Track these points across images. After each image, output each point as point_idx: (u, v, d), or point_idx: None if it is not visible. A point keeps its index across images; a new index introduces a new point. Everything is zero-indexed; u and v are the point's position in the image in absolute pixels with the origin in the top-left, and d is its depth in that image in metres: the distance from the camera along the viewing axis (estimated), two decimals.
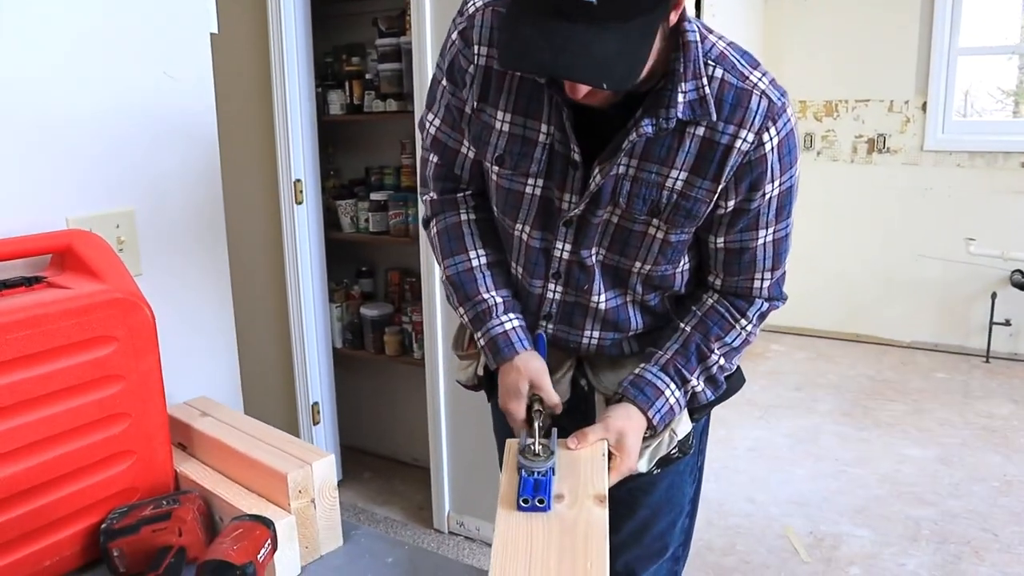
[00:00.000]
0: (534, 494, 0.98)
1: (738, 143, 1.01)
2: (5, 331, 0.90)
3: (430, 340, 2.46)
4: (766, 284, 1.15)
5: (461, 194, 1.23)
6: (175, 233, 1.31)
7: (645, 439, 1.14)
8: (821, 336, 4.58)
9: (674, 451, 1.19)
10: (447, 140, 1.18)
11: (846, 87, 4.34)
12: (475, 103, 1.10)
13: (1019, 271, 4.02)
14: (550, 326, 1.21)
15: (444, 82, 1.14)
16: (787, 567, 2.37)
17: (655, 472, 1.20)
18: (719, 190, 1.04)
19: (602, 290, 1.16)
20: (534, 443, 1.06)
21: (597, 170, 1.05)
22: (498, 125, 1.09)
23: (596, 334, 1.20)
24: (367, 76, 2.73)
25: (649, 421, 1.12)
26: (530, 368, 1.14)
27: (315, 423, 2.81)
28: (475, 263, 1.20)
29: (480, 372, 1.29)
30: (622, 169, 1.05)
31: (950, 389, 3.78)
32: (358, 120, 2.83)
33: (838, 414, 3.51)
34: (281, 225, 2.62)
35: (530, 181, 1.10)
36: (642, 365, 1.16)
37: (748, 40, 4.25)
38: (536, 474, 1.01)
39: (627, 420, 1.11)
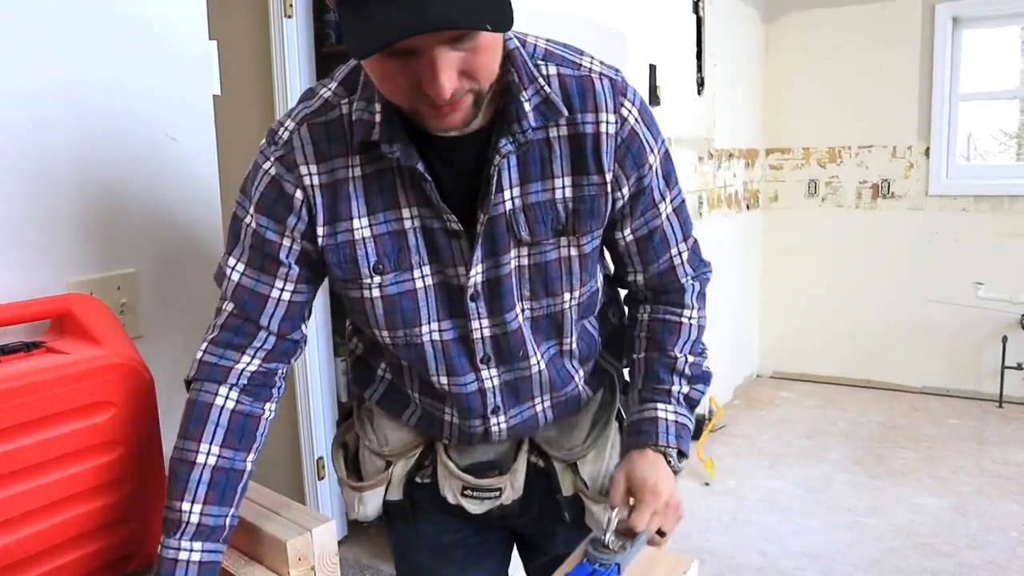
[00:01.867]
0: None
1: (603, 127, 0.98)
2: (3, 398, 0.90)
3: None
4: (685, 257, 1.11)
5: (237, 363, 1.01)
6: (178, 294, 1.32)
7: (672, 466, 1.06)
8: (831, 383, 4.54)
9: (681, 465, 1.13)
10: (253, 286, 1.01)
11: (849, 133, 4.37)
12: (321, 229, 0.98)
13: None
14: (502, 420, 1.09)
15: (252, 219, 0.99)
16: None
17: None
18: (608, 181, 1.00)
19: (536, 349, 1.07)
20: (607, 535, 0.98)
21: (481, 216, 0.96)
22: (359, 235, 0.98)
23: (548, 401, 1.12)
24: None
25: (662, 448, 1.04)
26: None
27: (320, 478, 2.78)
28: (199, 459, 0.97)
29: (392, 497, 1.17)
30: (508, 205, 0.97)
31: (963, 435, 3.72)
32: None
33: (850, 462, 3.45)
34: None
35: (416, 273, 1.00)
36: (627, 419, 1.12)
37: (750, 87, 4.30)
38: (599, 565, 0.95)
39: (640, 462, 1.04)
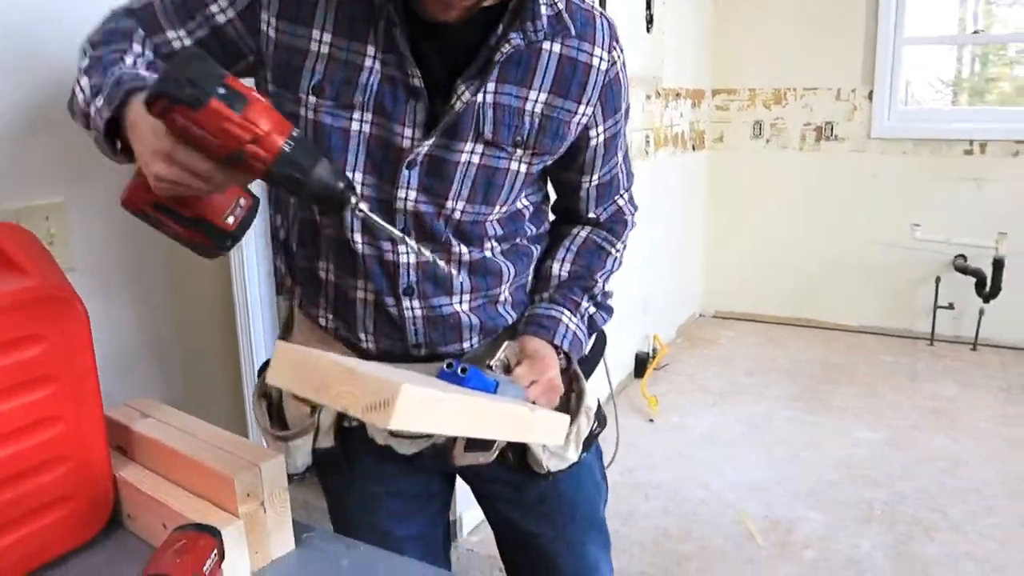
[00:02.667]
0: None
1: (595, 62, 1.01)
2: None
3: None
4: (627, 197, 1.19)
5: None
6: (110, 226, 1.25)
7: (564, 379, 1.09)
8: (771, 322, 4.63)
9: (595, 426, 1.17)
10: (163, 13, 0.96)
11: (794, 75, 4.39)
12: (273, 20, 0.92)
13: (962, 256, 4.11)
14: (415, 303, 1.03)
15: None
16: (743, 552, 2.38)
17: (583, 456, 1.18)
18: (584, 112, 1.03)
19: (459, 242, 1.03)
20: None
21: (463, 88, 0.93)
22: (314, 47, 0.92)
23: (468, 296, 1.06)
24: None
25: (558, 348, 1.08)
26: None
27: None
28: (130, 59, 0.90)
29: (323, 444, 1.11)
30: (481, 96, 0.94)
31: (897, 372, 3.85)
32: None
33: (789, 399, 3.55)
34: None
35: (356, 115, 0.94)
36: (527, 310, 1.13)
37: (698, 26, 4.27)
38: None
39: (536, 340, 1.07)
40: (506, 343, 1.07)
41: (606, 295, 1.18)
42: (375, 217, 0.86)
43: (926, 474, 2.85)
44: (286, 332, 1.23)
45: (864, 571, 2.28)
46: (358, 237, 1.00)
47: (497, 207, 1.04)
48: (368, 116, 0.94)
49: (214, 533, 0.75)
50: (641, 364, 3.77)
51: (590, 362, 1.19)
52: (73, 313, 0.96)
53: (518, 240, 1.11)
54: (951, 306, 4.18)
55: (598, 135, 1.07)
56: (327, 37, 0.92)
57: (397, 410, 0.69)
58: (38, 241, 1.06)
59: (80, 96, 0.87)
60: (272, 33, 0.93)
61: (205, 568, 0.69)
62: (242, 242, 2.69)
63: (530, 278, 1.17)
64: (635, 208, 1.21)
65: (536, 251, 1.16)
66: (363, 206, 0.83)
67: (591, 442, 1.18)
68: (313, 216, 1.04)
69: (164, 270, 1.34)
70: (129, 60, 0.89)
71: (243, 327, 2.66)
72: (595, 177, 1.12)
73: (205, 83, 0.71)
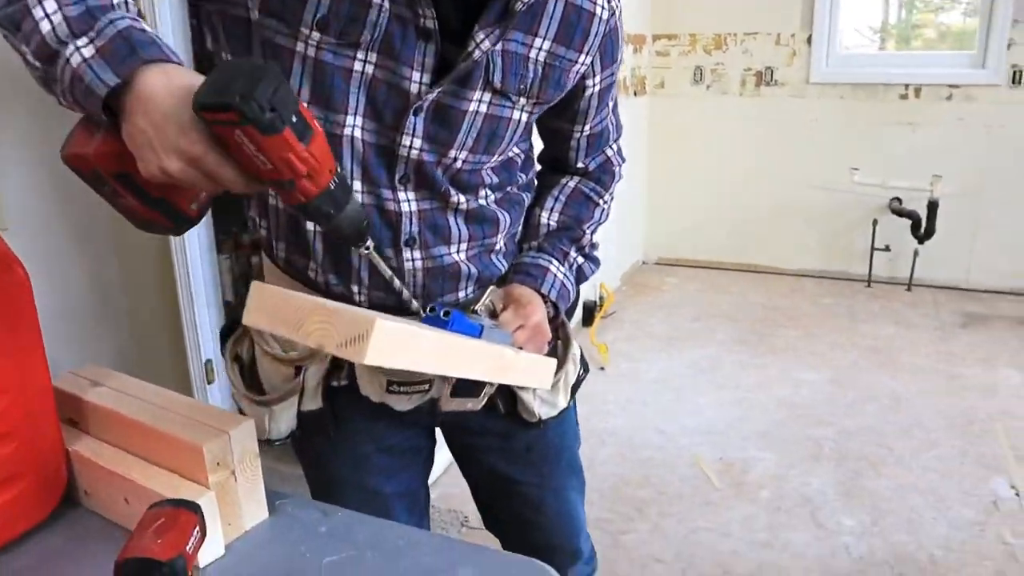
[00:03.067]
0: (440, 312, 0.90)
1: (598, 11, 0.99)
2: None
3: None
4: (616, 148, 1.19)
5: None
6: (43, 183, 1.15)
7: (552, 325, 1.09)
8: (713, 267, 4.69)
9: (581, 372, 1.19)
10: None
11: (735, 20, 4.37)
12: None
13: (897, 199, 4.20)
14: (416, 254, 0.99)
15: None
16: (701, 494, 2.42)
17: (571, 404, 1.20)
18: (584, 62, 1.01)
19: (457, 192, 1.00)
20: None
21: (482, 36, 0.88)
22: None
23: (465, 245, 1.03)
24: None
25: (545, 298, 1.07)
26: (198, 75, 0.71)
27: (209, 382, 2.64)
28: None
29: (309, 407, 1.06)
30: (490, 43, 0.90)
31: (837, 313, 3.94)
32: None
33: (735, 343, 3.60)
34: None
35: (360, 55, 0.87)
36: (516, 259, 1.11)
37: None
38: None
39: (522, 287, 1.06)
40: (491, 288, 1.05)
41: (594, 246, 1.18)
42: (379, 259, 0.88)
43: (870, 411, 2.94)
44: (233, 329, 1.16)
45: (818, 508, 2.34)
46: (357, 185, 0.94)
47: (495, 156, 1.01)
48: (373, 57, 0.88)
49: (194, 508, 0.69)
50: (589, 313, 3.77)
51: (568, 312, 1.16)
52: (13, 278, 0.88)
53: (510, 188, 1.09)
54: (887, 248, 4.28)
55: (594, 85, 1.06)
56: None
57: (372, 345, 0.67)
58: None
59: (44, 25, 0.71)
60: None
61: (188, 547, 0.63)
62: None
63: (520, 228, 1.14)
64: (623, 159, 1.21)
65: (527, 199, 1.14)
66: (371, 246, 0.84)
67: (577, 388, 1.19)
68: None
69: (103, 230, 1.24)
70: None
71: (184, 289, 2.55)
72: (587, 127, 1.11)
73: (284, 110, 0.66)
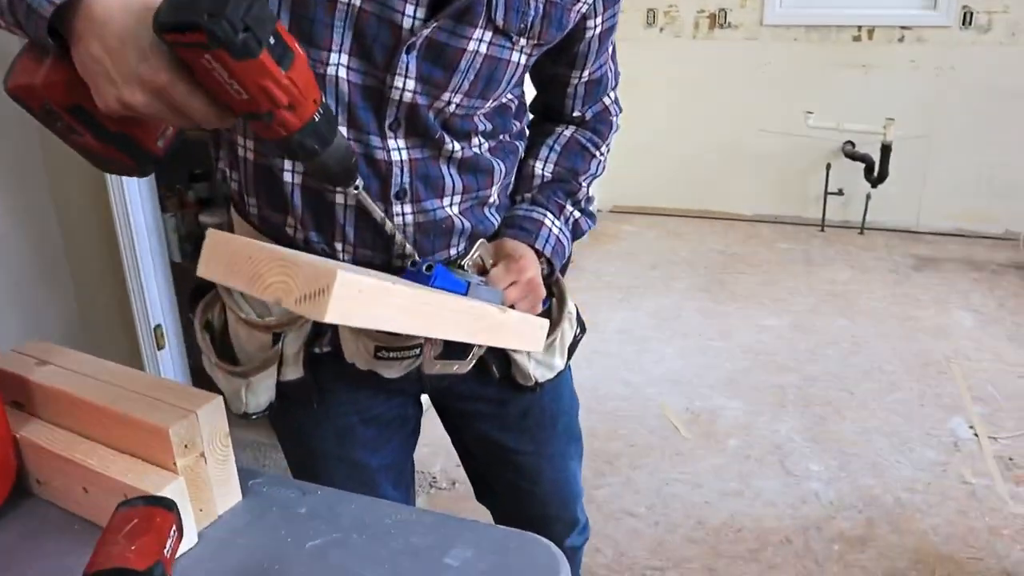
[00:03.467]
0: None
1: None
2: None
3: None
4: (613, 96, 1.13)
5: None
6: None
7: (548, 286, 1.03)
8: (670, 215, 4.66)
9: (578, 332, 1.13)
10: None
11: None
12: None
13: (850, 142, 4.21)
14: (407, 208, 0.91)
15: None
16: (671, 445, 2.41)
17: (567, 366, 1.14)
18: (586, 1, 0.93)
19: (451, 139, 0.92)
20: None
21: None
22: None
23: (459, 198, 0.95)
24: None
25: (540, 253, 1.00)
26: None
27: (159, 348, 2.52)
28: None
29: (289, 376, 0.99)
30: None
31: (794, 259, 3.96)
32: None
33: (695, 290, 3.59)
34: None
35: None
36: (508, 212, 1.04)
37: None
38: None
39: (515, 241, 1.00)
40: (480, 242, 0.98)
41: (589, 200, 1.11)
42: (369, 200, 0.83)
43: (831, 356, 2.96)
44: (200, 294, 1.06)
45: (787, 454, 2.35)
46: (343, 130, 0.84)
47: (489, 101, 0.92)
48: None
49: (169, 506, 0.62)
50: None
51: (562, 268, 1.10)
52: None
53: (504, 136, 1.00)
54: (840, 192, 4.30)
55: (595, 26, 0.98)
56: None
57: (334, 299, 0.60)
58: None
59: None
60: None
61: (166, 551, 0.56)
62: None
63: (513, 180, 1.06)
64: (620, 109, 1.15)
65: (520, 148, 1.06)
66: (360, 185, 0.79)
67: (574, 349, 1.13)
68: None
69: (40, 192, 1.13)
70: None
71: (128, 251, 2.42)
72: (585, 73, 1.04)
73: (260, 30, 0.57)
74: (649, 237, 4.35)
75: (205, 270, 0.71)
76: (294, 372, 0.99)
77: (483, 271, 0.96)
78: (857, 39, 4.13)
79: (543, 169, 1.07)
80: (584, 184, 1.09)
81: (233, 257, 0.68)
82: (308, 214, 0.91)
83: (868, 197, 4.19)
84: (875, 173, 4.11)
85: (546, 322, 0.94)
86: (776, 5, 4.20)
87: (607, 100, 1.12)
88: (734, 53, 4.32)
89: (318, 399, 1.03)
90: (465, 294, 0.87)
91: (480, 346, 0.99)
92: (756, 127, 4.36)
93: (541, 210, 1.03)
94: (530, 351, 1.03)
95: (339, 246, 0.93)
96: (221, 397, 0.86)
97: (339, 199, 0.90)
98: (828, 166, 4.26)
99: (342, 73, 0.83)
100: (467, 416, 1.15)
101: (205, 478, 0.85)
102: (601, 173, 1.13)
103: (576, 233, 1.08)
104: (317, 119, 0.67)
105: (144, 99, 0.60)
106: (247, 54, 0.57)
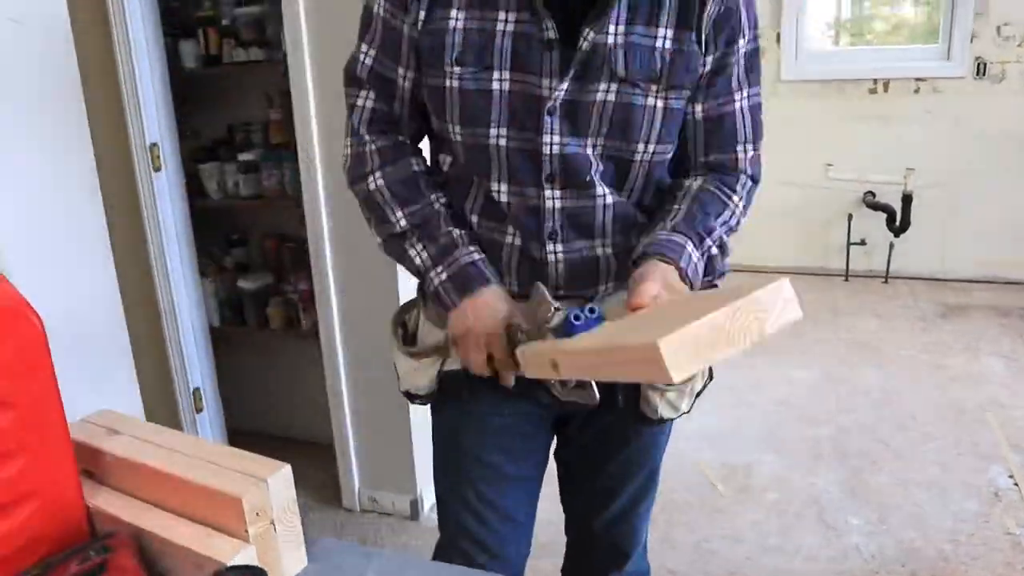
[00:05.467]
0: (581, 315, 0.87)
1: None
2: None
3: (324, 308, 2.27)
4: (749, 156, 1.12)
5: (403, 139, 1.12)
6: (41, 216, 1.08)
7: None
8: None
9: (708, 380, 1.19)
10: (386, 72, 1.09)
11: None
12: (423, 15, 1.03)
13: (871, 192, 4.24)
14: (560, 251, 1.07)
15: (382, 6, 1.06)
16: (709, 502, 2.40)
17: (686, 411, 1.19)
18: (701, 40, 1.03)
19: (603, 184, 1.05)
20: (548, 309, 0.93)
21: (588, 32, 0.98)
22: (452, 24, 1.02)
23: (609, 246, 1.08)
24: (223, 22, 2.44)
25: (682, 273, 0.98)
26: (503, 296, 1.04)
27: (198, 411, 2.57)
28: (436, 206, 1.09)
29: (452, 366, 1.14)
30: (611, 38, 0.99)
31: (820, 310, 3.96)
32: (215, 74, 2.54)
33: None
34: (139, 196, 2.32)
35: (496, 75, 1.01)
36: (648, 237, 1.04)
37: None
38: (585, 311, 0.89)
39: (671, 272, 0.97)
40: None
41: (725, 245, 1.11)
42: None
43: (863, 406, 2.94)
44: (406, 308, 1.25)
45: (825, 508, 2.33)
46: (504, 187, 1.06)
47: (639, 146, 1.04)
48: (506, 74, 1.01)
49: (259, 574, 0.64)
50: None
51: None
52: (28, 326, 0.82)
53: (651, 189, 1.10)
54: (863, 242, 4.32)
55: (704, 65, 1.04)
56: (462, 14, 1.02)
57: (667, 363, 0.66)
58: None
59: (417, 260, 1.09)
60: (420, 26, 1.04)
61: None
62: (160, 223, 2.47)
63: None
64: (758, 176, 1.13)
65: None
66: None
67: (699, 396, 1.19)
68: (461, 175, 1.11)
69: (105, 263, 1.18)
70: (444, 216, 1.08)
71: (167, 315, 2.48)
72: (699, 108, 1.07)
73: None
74: None
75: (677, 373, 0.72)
76: (456, 363, 1.12)
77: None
78: (873, 91, 4.20)
79: (679, 204, 1.07)
80: (718, 226, 1.06)
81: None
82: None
83: (891, 246, 4.20)
84: (897, 222, 4.13)
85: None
86: (792, 61, 4.28)
87: (738, 153, 1.10)
88: None
89: (467, 394, 1.15)
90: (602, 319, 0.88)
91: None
92: (777, 180, 4.41)
93: (681, 237, 1.02)
94: (664, 387, 1.10)
95: (507, 280, 1.10)
96: (289, 466, 0.89)
97: (507, 239, 1.09)
98: (850, 216, 4.28)
99: (502, 142, 1.03)
100: (581, 433, 1.24)
101: (275, 545, 0.87)
102: (735, 226, 1.10)
103: (708, 270, 1.06)
104: None
105: (475, 361, 1.02)
106: None
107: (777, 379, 3.20)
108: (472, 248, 1.07)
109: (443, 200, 1.10)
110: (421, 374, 1.17)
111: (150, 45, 2.25)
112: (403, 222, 1.09)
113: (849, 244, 4.32)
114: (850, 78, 4.21)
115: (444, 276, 1.06)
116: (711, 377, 1.20)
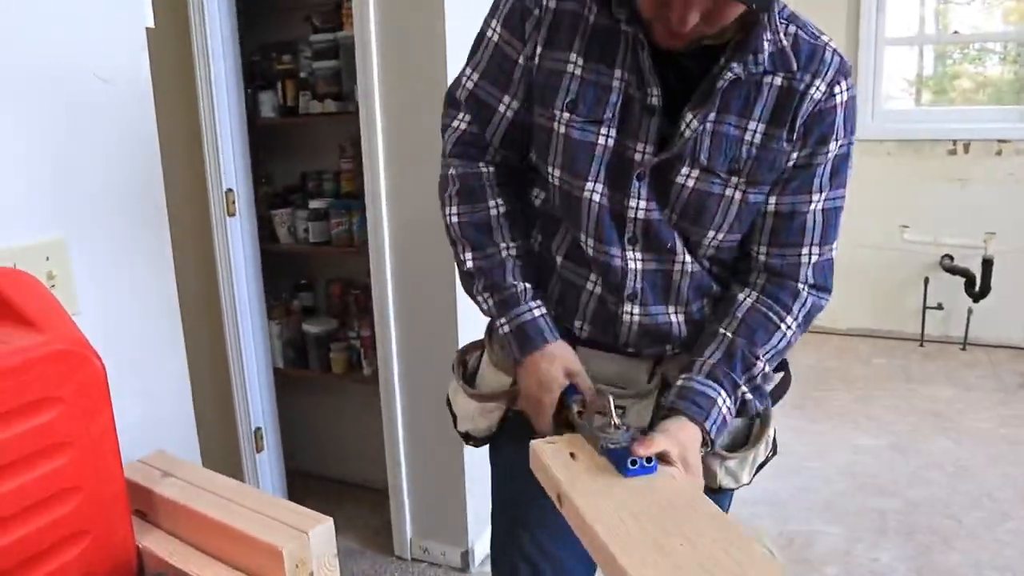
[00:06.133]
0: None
1: (812, 91, 1.02)
2: None
3: (384, 355, 2.30)
4: (813, 260, 1.08)
5: (487, 170, 1.14)
6: (115, 261, 1.14)
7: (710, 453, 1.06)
8: None
9: (770, 454, 1.18)
10: (486, 97, 1.11)
11: None
12: (540, 49, 1.05)
13: (948, 256, 4.11)
14: (635, 309, 1.09)
15: (497, 32, 1.08)
16: None
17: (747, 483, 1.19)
18: (791, 139, 1.03)
19: (684, 250, 1.07)
20: (609, 421, 0.97)
21: (691, 116, 0.99)
22: (570, 68, 1.03)
23: (683, 314, 1.11)
24: (301, 75, 2.54)
25: (706, 435, 1.02)
26: (564, 354, 1.08)
27: (258, 450, 2.61)
28: (504, 254, 1.12)
29: (517, 407, 1.16)
30: (698, 122, 1.00)
31: (891, 375, 3.83)
32: (292, 124, 2.64)
33: (789, 407, 3.49)
34: (213, 239, 2.41)
35: (603, 130, 1.03)
36: (684, 375, 1.06)
37: None
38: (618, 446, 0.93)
39: (687, 433, 1.00)
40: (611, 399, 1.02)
41: (767, 377, 1.09)
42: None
43: (935, 480, 2.82)
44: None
45: None
46: (591, 242, 1.07)
47: (710, 232, 1.06)
48: (612, 132, 1.03)
49: None
50: None
51: (774, 395, 1.16)
52: (90, 369, 0.86)
53: (729, 263, 1.13)
54: (940, 307, 4.17)
55: (790, 160, 1.03)
56: (580, 60, 1.03)
57: None
58: (42, 287, 0.94)
59: (483, 306, 1.14)
60: (536, 60, 1.06)
61: None
62: (232, 265, 2.55)
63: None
64: (823, 281, 1.10)
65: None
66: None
67: (761, 468, 1.18)
68: (552, 213, 1.13)
69: (171, 308, 1.23)
70: (511, 267, 1.12)
71: (234, 354, 2.54)
72: (773, 200, 1.05)
73: None
74: None
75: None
76: (494, 426, 1.19)
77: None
78: (953, 153, 4.09)
79: (725, 331, 1.07)
80: (763, 358, 1.06)
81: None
82: (561, 292, 1.15)
83: (970, 312, 4.05)
84: (976, 288, 3.99)
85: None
86: (868, 119, 4.22)
87: (801, 256, 1.08)
88: None
89: (529, 437, 1.08)
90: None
91: None
92: (850, 240, 4.29)
93: (714, 386, 1.03)
94: (725, 453, 1.11)
95: (578, 324, 1.14)
96: (331, 520, 0.90)
97: (588, 286, 1.11)
98: (926, 280, 4.15)
99: (596, 197, 1.05)
100: None
101: None
102: (785, 347, 1.09)
103: (742, 411, 1.07)
104: None
105: (542, 423, 1.07)
106: None
107: (842, 446, 3.09)
108: (532, 305, 1.10)
109: (515, 249, 1.13)
110: (483, 417, 1.19)
111: (231, 97, 2.35)
112: (469, 264, 1.13)
113: (925, 308, 4.18)
114: (928, 138, 4.12)
115: (507, 329, 1.10)
116: (775, 451, 1.19)
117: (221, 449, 2.61)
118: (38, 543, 0.83)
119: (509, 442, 1.20)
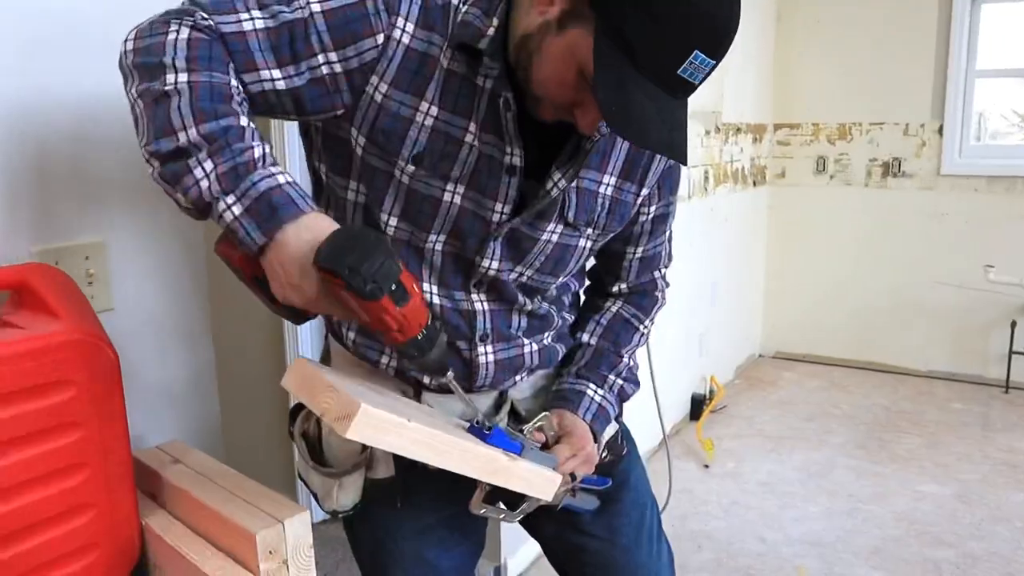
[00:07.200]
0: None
1: None
2: None
3: None
4: (664, 274, 1.25)
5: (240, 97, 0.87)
6: (149, 264, 1.24)
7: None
8: (835, 364, 4.47)
9: (604, 455, 1.19)
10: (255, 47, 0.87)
11: (860, 110, 4.26)
12: (384, 86, 0.91)
13: None
14: (490, 349, 1.07)
15: (318, 7, 0.88)
16: None
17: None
18: (643, 195, 1.10)
19: (526, 299, 1.10)
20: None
21: (559, 176, 0.99)
22: (420, 118, 0.93)
23: (528, 340, 1.12)
24: None
25: (591, 424, 1.13)
26: (328, 228, 0.82)
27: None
28: (244, 122, 0.84)
29: (380, 475, 1.09)
30: (566, 181, 1.00)
31: (968, 421, 3.66)
32: None
33: (852, 447, 3.39)
34: None
35: (449, 187, 0.96)
36: (556, 384, 1.17)
37: (759, 59, 4.19)
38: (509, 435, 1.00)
39: (570, 415, 1.13)
40: (543, 414, 1.11)
41: (632, 368, 1.23)
42: (458, 388, 0.98)
43: (999, 534, 2.68)
44: (298, 409, 1.17)
45: None
46: (434, 288, 1.04)
47: (560, 278, 1.11)
48: (461, 189, 0.97)
49: None
50: (697, 406, 3.66)
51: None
52: (102, 357, 0.95)
53: (564, 297, 1.19)
54: None
55: (648, 213, 1.14)
56: (433, 110, 0.94)
57: (355, 424, 0.78)
58: (72, 283, 1.05)
59: (203, 183, 0.81)
60: (379, 98, 0.92)
61: None
62: None
63: (568, 324, 1.21)
64: (667, 284, 1.27)
65: (574, 304, 1.23)
66: (451, 376, 0.95)
67: (606, 469, 1.19)
68: None
69: (202, 312, 1.33)
70: (251, 140, 0.83)
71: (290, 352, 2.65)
72: (639, 250, 1.19)
73: (385, 282, 0.80)
74: (810, 387, 4.18)
75: (285, 382, 0.91)
76: (385, 471, 1.10)
77: (545, 446, 1.08)
78: None
79: (589, 339, 1.21)
80: (626, 356, 1.21)
81: (304, 379, 0.89)
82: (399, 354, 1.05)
83: None
84: None
85: (558, 477, 1.03)
86: (955, 155, 4.07)
87: (656, 274, 1.24)
88: (908, 202, 4.19)
89: (402, 498, 1.12)
90: (518, 454, 0.98)
91: (531, 501, 1.04)
92: (931, 278, 4.16)
93: (583, 383, 1.16)
94: (540, 499, 1.04)
95: (427, 380, 1.07)
96: (308, 511, 0.97)
97: None
98: (1013, 323, 3.96)
99: (439, 247, 1.01)
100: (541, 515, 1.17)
101: None
102: (643, 344, 1.24)
103: (622, 396, 1.21)
104: (420, 338, 0.87)
105: (299, 300, 0.84)
106: (372, 298, 0.80)
107: (903, 491, 2.98)
108: (275, 170, 0.84)
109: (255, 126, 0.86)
110: (344, 491, 1.10)
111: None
112: (204, 127, 0.81)
113: (1011, 353, 3.98)
114: (1018, 175, 3.94)
115: (239, 209, 0.81)
116: (614, 454, 1.22)
117: (280, 460, 2.71)
118: (46, 510, 0.92)
119: (379, 511, 1.14)
